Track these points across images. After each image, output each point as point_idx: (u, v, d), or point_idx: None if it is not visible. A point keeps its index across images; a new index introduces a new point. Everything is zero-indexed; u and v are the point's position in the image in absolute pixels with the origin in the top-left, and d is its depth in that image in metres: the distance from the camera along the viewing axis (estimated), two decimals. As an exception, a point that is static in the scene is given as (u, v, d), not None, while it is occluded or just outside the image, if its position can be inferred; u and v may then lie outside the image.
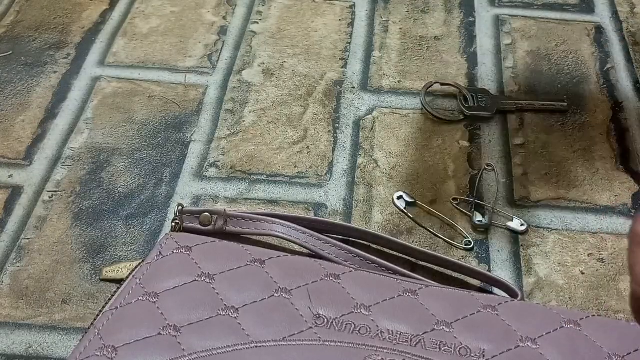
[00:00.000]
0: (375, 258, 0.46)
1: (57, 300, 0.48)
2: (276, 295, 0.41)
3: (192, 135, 0.59)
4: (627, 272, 0.49)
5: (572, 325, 0.40)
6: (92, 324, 0.42)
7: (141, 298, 0.41)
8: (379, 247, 0.50)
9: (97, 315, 0.42)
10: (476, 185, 0.55)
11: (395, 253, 0.50)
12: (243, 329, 0.39)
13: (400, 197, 0.54)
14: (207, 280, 0.42)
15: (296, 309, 0.40)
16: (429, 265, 0.49)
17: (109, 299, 0.43)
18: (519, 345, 0.39)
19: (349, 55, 0.66)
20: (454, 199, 0.54)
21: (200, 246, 0.45)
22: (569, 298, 0.48)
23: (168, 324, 0.39)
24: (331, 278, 0.43)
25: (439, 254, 0.48)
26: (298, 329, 0.39)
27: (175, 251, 0.44)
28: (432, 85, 0.63)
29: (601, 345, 0.39)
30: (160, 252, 0.44)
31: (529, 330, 0.40)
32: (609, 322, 0.41)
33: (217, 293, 0.41)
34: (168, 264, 0.43)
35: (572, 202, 0.54)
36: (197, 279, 0.42)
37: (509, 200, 0.54)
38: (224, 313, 0.40)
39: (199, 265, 0.43)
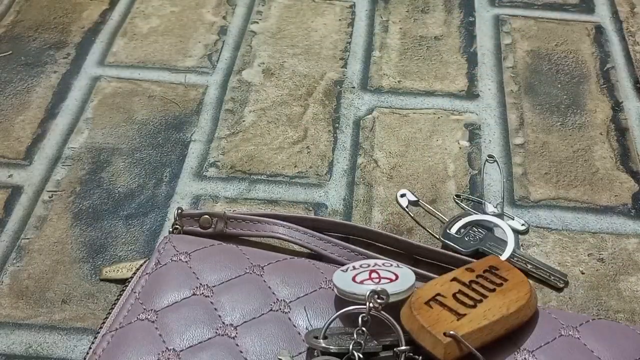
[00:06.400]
0: (378, 255, 0.46)
1: (57, 300, 0.48)
2: (274, 310, 0.41)
3: (192, 135, 0.59)
4: (628, 272, 0.49)
5: (570, 333, 0.40)
6: (90, 347, 0.41)
7: (140, 317, 0.41)
8: (381, 245, 0.50)
9: (96, 336, 0.42)
10: (482, 177, 0.55)
11: (397, 250, 0.50)
12: (240, 352, 0.39)
13: (403, 195, 0.54)
14: (206, 293, 0.42)
15: (294, 325, 0.40)
16: (432, 261, 0.49)
17: (107, 314, 0.43)
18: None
19: (349, 55, 0.66)
20: (457, 196, 0.54)
21: (199, 252, 0.45)
22: (569, 298, 0.48)
23: (167, 348, 0.39)
24: (330, 286, 0.43)
25: (441, 250, 0.48)
26: (296, 351, 0.39)
27: (173, 258, 0.44)
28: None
29: (599, 357, 0.39)
30: (158, 261, 0.44)
31: (528, 341, 0.39)
32: (609, 328, 0.40)
33: (216, 309, 0.41)
34: (166, 275, 0.43)
35: (572, 202, 0.54)
36: (195, 292, 0.42)
37: (509, 200, 0.54)
38: (222, 333, 0.40)
39: (197, 275, 0.43)
